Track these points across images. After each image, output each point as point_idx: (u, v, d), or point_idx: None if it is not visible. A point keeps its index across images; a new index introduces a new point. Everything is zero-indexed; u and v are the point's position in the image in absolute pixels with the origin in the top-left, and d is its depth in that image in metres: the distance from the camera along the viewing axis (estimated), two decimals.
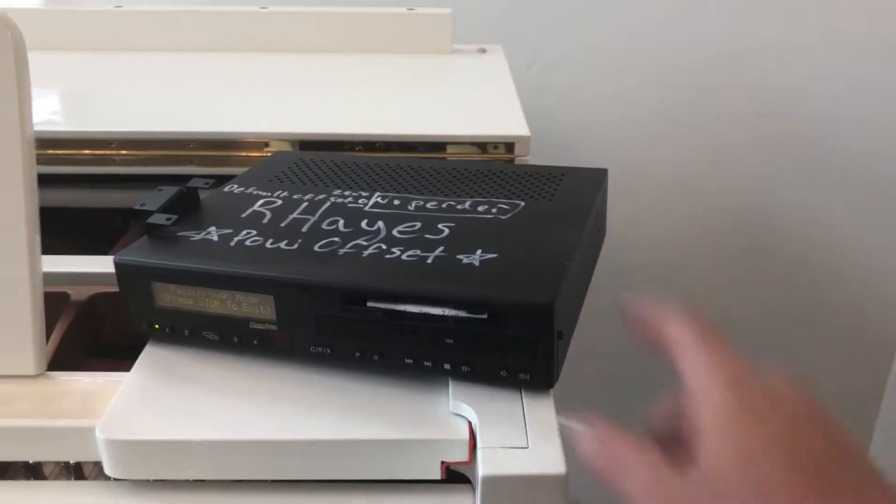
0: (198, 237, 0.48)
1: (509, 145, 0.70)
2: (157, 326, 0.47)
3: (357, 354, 0.44)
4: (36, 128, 0.45)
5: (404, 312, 0.42)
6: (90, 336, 0.59)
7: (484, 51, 0.97)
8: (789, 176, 1.12)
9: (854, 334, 1.16)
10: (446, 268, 0.44)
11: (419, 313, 0.42)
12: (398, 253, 0.46)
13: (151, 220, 0.49)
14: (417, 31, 0.93)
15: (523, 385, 0.43)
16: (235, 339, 0.46)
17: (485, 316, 0.41)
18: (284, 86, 0.84)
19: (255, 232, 0.49)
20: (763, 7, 1.06)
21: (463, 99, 0.80)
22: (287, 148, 0.70)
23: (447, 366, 0.43)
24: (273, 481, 0.42)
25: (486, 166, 0.60)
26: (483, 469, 0.38)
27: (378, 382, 0.44)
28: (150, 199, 0.50)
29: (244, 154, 0.70)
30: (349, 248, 0.46)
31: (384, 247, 0.46)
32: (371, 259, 0.45)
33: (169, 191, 0.51)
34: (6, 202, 0.44)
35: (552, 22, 1.21)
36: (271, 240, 0.47)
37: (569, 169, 0.58)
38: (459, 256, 0.45)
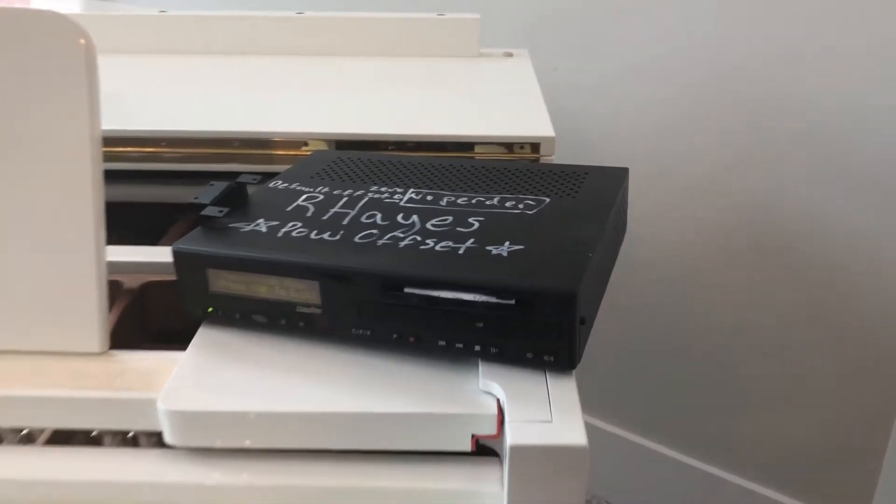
0: (248, 228, 0.52)
1: (535, 145, 0.73)
2: (210, 310, 0.51)
3: (395, 336, 0.48)
4: None
5: (439, 298, 0.46)
6: (141, 322, 0.63)
7: (511, 55, 1.01)
8: (804, 178, 1.14)
9: (871, 337, 1.18)
10: (477, 258, 0.48)
11: (452, 299, 0.46)
12: (432, 244, 0.49)
13: (205, 212, 0.53)
14: (447, 35, 0.97)
15: (548, 366, 0.46)
16: (283, 322, 0.50)
17: (513, 302, 0.45)
18: (320, 87, 0.88)
19: (300, 224, 0.52)
20: (779, 12, 1.08)
21: (490, 101, 0.84)
22: (324, 147, 0.74)
23: (477, 347, 0.47)
24: (317, 451, 0.46)
25: (514, 165, 0.63)
26: (511, 439, 0.42)
27: (414, 362, 0.48)
28: (203, 193, 0.54)
29: (283, 152, 0.74)
30: (387, 240, 0.50)
31: (419, 238, 0.50)
32: (407, 249, 0.49)
33: (220, 185, 0.55)
34: (76, 196, 0.49)
35: (577, 26, 1.24)
36: (315, 231, 0.51)
37: (592, 168, 0.62)
38: (489, 247, 0.49)
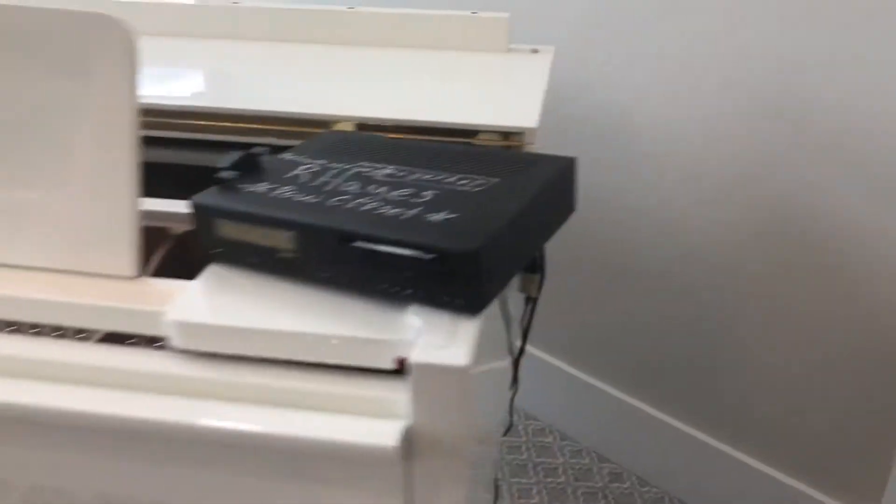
0: (250, 189, 0.67)
1: (520, 135, 0.85)
2: (217, 251, 0.66)
3: (348, 279, 0.62)
4: (150, 101, 0.65)
5: (379, 251, 0.59)
6: (182, 262, 0.79)
7: (536, 51, 1.12)
8: (841, 178, 1.19)
9: (891, 333, 1.22)
10: (416, 223, 0.61)
11: (390, 253, 0.59)
12: (387, 209, 0.63)
13: (220, 174, 0.68)
14: (477, 32, 1.09)
15: (459, 308, 0.59)
16: (268, 263, 0.64)
17: (434, 257, 0.58)
18: (357, 76, 1.01)
19: (292, 188, 0.67)
20: (818, 14, 1.14)
21: (496, 93, 0.95)
22: (349, 128, 0.88)
23: (409, 291, 0.60)
24: (282, 361, 0.60)
25: (485, 150, 0.76)
26: (413, 358, 0.55)
27: (361, 300, 0.62)
28: (223, 159, 0.69)
29: (313, 130, 0.88)
30: (353, 204, 0.64)
31: (378, 205, 0.64)
32: (365, 213, 0.62)
33: (235, 154, 0.70)
34: (119, 151, 0.64)
35: (624, 25, 1.34)
36: (302, 194, 0.65)
37: (546, 156, 0.74)
38: (428, 215, 0.62)
